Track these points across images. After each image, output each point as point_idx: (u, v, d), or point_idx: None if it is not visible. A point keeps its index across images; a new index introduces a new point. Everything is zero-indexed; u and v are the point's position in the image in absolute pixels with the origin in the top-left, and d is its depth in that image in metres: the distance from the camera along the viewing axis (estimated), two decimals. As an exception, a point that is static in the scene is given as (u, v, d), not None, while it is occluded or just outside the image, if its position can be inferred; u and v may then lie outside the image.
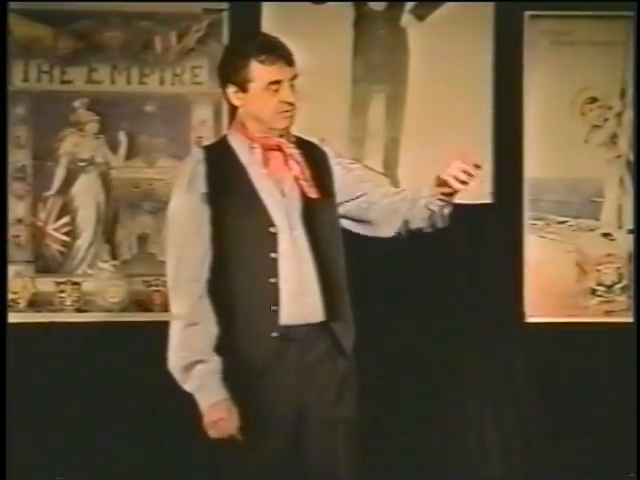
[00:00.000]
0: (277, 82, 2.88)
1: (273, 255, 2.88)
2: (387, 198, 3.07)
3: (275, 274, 2.87)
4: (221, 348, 2.88)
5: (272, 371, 2.88)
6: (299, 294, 2.89)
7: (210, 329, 2.89)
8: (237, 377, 2.87)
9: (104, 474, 4.25)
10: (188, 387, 2.88)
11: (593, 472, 4.35)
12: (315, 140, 3.10)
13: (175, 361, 2.89)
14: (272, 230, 2.90)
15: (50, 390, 4.26)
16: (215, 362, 2.87)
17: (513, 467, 4.44)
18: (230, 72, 2.93)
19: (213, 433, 2.86)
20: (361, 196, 3.07)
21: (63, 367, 4.25)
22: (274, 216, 2.91)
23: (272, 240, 2.89)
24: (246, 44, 2.94)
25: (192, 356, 2.86)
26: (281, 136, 2.96)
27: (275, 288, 2.87)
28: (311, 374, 2.91)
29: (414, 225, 3.02)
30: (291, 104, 2.90)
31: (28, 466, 4.20)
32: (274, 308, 2.87)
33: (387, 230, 3.08)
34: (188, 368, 2.86)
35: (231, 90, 2.94)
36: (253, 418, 2.86)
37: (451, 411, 4.42)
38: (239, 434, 2.85)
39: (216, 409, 2.85)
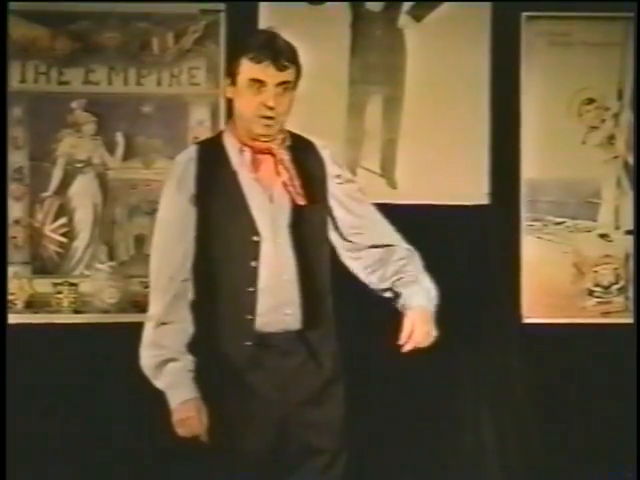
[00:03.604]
0: (259, 82, 2.86)
1: (253, 264, 2.88)
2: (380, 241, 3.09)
3: (254, 283, 2.87)
4: (199, 349, 2.90)
5: (250, 376, 2.88)
6: (279, 303, 2.89)
7: (184, 328, 2.90)
8: (215, 379, 2.89)
9: (103, 474, 4.25)
10: (159, 384, 2.89)
11: (592, 473, 4.35)
12: (315, 141, 3.07)
13: (147, 359, 2.91)
14: (255, 239, 2.89)
15: (48, 391, 4.26)
16: (187, 361, 2.88)
17: (511, 468, 4.44)
18: (227, 63, 2.97)
19: (180, 431, 2.89)
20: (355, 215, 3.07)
21: (60, 368, 4.25)
22: (259, 224, 2.90)
23: (254, 249, 2.88)
24: (246, 39, 2.95)
25: (164, 354, 2.88)
26: (271, 140, 2.94)
27: (252, 297, 2.87)
28: (291, 379, 2.91)
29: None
30: (271, 108, 2.86)
31: (27, 466, 4.20)
32: (249, 317, 2.87)
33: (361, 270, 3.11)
34: (160, 366, 2.87)
35: (227, 81, 2.95)
36: (232, 420, 2.88)
37: (448, 412, 4.42)
38: (206, 434, 2.87)
39: (185, 407, 2.87)
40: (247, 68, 2.87)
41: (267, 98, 2.86)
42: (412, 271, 3.05)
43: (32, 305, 4.34)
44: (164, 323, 2.89)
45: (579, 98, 4.49)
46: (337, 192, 3.05)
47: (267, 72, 2.86)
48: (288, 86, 2.90)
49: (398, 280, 3.04)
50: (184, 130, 4.38)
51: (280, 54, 2.87)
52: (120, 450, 4.24)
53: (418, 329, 2.96)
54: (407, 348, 2.96)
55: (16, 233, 4.34)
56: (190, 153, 2.99)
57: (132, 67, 4.37)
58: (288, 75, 2.89)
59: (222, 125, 4.30)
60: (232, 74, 2.91)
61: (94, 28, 4.34)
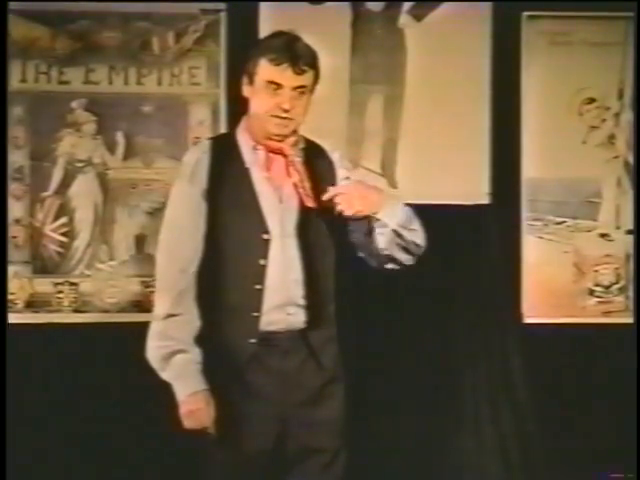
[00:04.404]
0: (276, 84, 2.88)
1: (262, 262, 2.89)
2: None
3: (261, 281, 2.89)
4: (203, 343, 2.90)
5: (251, 374, 2.90)
6: (283, 302, 2.91)
7: (192, 321, 2.91)
8: (217, 374, 2.89)
9: (103, 473, 4.25)
10: (166, 376, 2.89)
11: (592, 473, 4.35)
12: (326, 146, 3.10)
13: (154, 350, 2.91)
14: (265, 237, 2.91)
15: (48, 391, 4.26)
16: (195, 353, 2.90)
17: (511, 468, 4.44)
18: (247, 62, 2.95)
19: (188, 423, 2.89)
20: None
21: (61, 368, 4.25)
22: (269, 223, 2.91)
23: (264, 247, 2.90)
24: (269, 40, 2.96)
25: (172, 346, 2.88)
26: (282, 140, 2.95)
27: (259, 295, 2.88)
28: (292, 378, 2.93)
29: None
30: (286, 110, 2.88)
31: (27, 466, 4.20)
32: (255, 314, 2.88)
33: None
34: (167, 357, 2.88)
35: (245, 80, 2.96)
36: (232, 418, 2.89)
37: (448, 411, 4.42)
38: (213, 427, 2.88)
39: (194, 399, 2.87)
40: (265, 69, 2.89)
41: (283, 101, 2.88)
42: None
43: (32, 305, 4.34)
44: (173, 315, 2.90)
45: (580, 97, 4.49)
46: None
47: (285, 75, 2.88)
48: (305, 90, 2.93)
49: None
50: (184, 130, 4.38)
51: (299, 58, 2.89)
52: (120, 449, 4.24)
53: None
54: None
55: (16, 233, 4.34)
56: (203, 147, 3.01)
57: (132, 67, 4.37)
58: (305, 79, 2.91)
59: (222, 125, 4.32)
60: (250, 73, 2.93)
61: (94, 28, 4.34)
